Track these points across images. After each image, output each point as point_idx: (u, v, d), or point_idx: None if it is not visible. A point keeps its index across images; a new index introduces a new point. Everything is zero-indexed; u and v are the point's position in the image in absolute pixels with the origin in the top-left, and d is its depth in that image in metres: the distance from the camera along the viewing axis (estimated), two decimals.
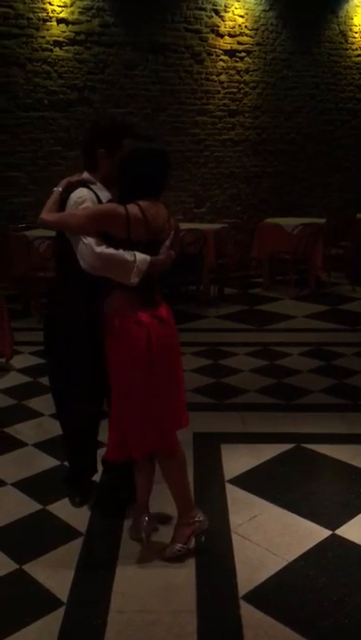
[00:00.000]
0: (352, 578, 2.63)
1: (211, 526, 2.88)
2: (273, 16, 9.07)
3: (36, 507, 3.19)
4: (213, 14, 8.59)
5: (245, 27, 8.87)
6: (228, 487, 3.33)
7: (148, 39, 8.12)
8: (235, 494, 3.27)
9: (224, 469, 3.52)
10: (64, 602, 2.51)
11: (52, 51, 7.52)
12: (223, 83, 8.84)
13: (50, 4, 7.40)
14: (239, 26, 8.81)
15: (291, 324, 6.64)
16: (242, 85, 9.01)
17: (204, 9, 8.50)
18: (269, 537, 2.87)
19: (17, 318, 6.61)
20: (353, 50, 9.98)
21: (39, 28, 7.39)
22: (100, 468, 3.28)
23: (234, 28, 8.77)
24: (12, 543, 2.90)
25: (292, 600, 2.52)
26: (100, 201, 2.76)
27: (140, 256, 2.60)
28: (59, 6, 7.46)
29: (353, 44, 9.95)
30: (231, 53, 8.83)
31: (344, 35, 9.83)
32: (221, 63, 8.78)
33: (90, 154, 2.84)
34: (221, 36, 8.70)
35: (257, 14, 8.94)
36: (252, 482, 3.36)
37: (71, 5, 7.53)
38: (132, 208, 2.59)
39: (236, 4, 8.73)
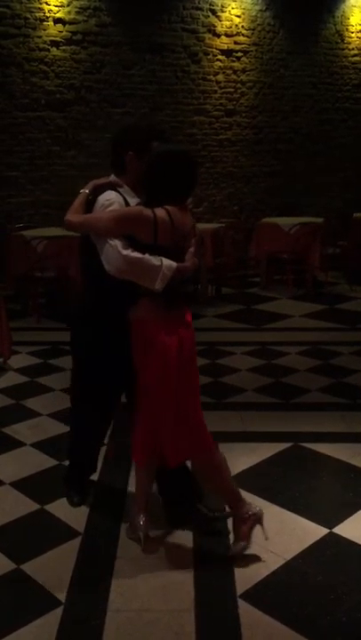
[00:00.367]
0: (350, 576, 2.63)
1: (209, 525, 2.88)
2: (270, 16, 9.08)
3: (35, 506, 3.19)
4: (210, 14, 8.60)
5: (242, 26, 8.87)
6: None
7: (145, 39, 8.12)
8: None
9: None
10: (62, 602, 2.50)
11: (49, 50, 7.52)
12: (220, 82, 8.85)
13: (47, 3, 7.40)
14: (236, 26, 8.82)
15: (288, 324, 6.65)
16: (239, 85, 9.02)
17: (201, 9, 8.50)
18: (268, 535, 2.87)
19: (15, 318, 6.61)
20: (349, 50, 9.99)
21: (36, 27, 7.39)
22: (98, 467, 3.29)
23: (231, 27, 8.78)
24: (10, 543, 2.90)
25: (291, 598, 2.52)
26: (127, 205, 2.71)
27: (166, 261, 2.55)
28: (55, 6, 7.46)
29: (349, 43, 9.96)
30: (228, 53, 8.83)
31: (341, 35, 9.85)
32: (218, 63, 8.79)
33: (118, 157, 2.79)
34: (218, 36, 8.71)
35: (254, 14, 8.95)
36: (251, 480, 3.36)
37: (68, 5, 7.53)
38: (160, 212, 2.55)
39: (233, 4, 8.74)
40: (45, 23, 7.44)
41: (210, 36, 8.64)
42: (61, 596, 2.53)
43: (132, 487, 3.31)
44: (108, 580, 2.63)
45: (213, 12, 8.62)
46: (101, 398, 2.97)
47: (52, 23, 7.47)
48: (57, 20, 7.50)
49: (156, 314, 2.62)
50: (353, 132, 10.24)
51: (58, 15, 7.49)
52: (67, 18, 7.54)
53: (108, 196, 2.68)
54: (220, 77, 8.84)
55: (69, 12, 7.55)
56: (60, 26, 7.53)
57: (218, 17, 8.66)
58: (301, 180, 9.68)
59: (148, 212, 2.55)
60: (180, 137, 8.52)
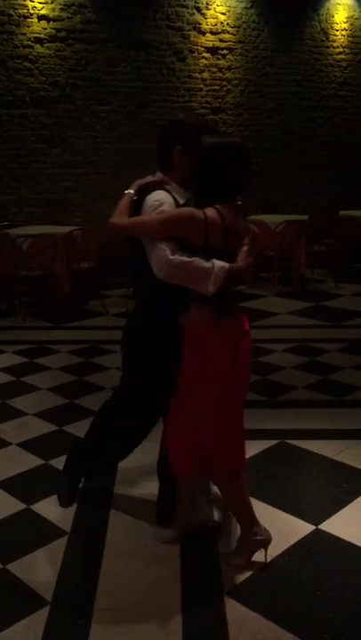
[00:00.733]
0: (336, 572, 2.64)
1: (195, 522, 2.88)
2: (255, 13, 9.09)
3: (21, 506, 3.17)
4: (195, 12, 8.59)
5: (227, 24, 8.88)
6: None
7: (130, 36, 8.10)
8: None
9: None
10: (49, 601, 2.49)
11: (33, 48, 7.47)
12: (206, 80, 8.85)
13: (30, 0, 7.35)
14: (221, 23, 8.82)
15: (275, 321, 6.66)
16: (224, 83, 9.02)
17: (186, 6, 8.49)
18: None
19: (0, 317, 6.58)
20: (334, 48, 10.03)
21: (20, 24, 7.34)
22: None
23: (216, 25, 8.78)
24: None
25: (277, 596, 2.52)
26: (177, 204, 2.56)
27: (218, 263, 2.42)
28: (39, 3, 7.42)
29: (334, 41, 10.00)
30: (213, 51, 8.83)
31: (325, 32, 9.88)
32: (204, 60, 8.78)
33: (165, 152, 2.63)
34: (203, 34, 8.71)
35: (239, 12, 8.95)
36: None
37: (52, 2, 7.49)
38: (211, 212, 2.43)
39: (218, 2, 8.74)
40: (29, 20, 7.39)
41: (195, 33, 8.64)
42: (48, 596, 2.52)
43: (118, 488, 3.31)
44: (95, 578, 2.62)
45: (198, 10, 8.61)
46: (147, 408, 2.79)
47: (35, 20, 7.43)
48: (41, 17, 7.45)
49: (209, 320, 2.49)
50: (339, 130, 10.28)
51: (42, 12, 7.45)
52: (51, 15, 7.50)
53: (157, 197, 2.52)
54: (206, 75, 8.84)
55: (53, 9, 7.51)
56: (44, 23, 7.48)
57: (203, 14, 8.65)
58: (287, 178, 9.70)
59: (198, 213, 2.42)
60: None
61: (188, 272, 2.42)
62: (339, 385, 4.79)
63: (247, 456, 3.57)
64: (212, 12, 8.71)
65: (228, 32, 8.92)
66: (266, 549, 2.71)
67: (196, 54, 8.70)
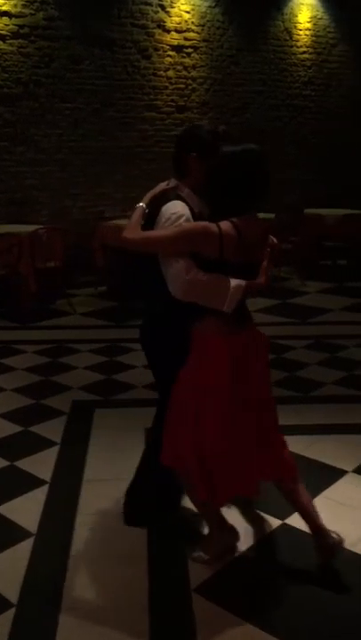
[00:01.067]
0: (304, 566, 2.66)
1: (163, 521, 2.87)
2: (219, 12, 9.11)
3: None
4: (160, 9, 8.57)
5: (192, 22, 8.87)
6: None
7: (95, 33, 8.03)
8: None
9: None
10: (14, 603, 2.46)
11: None
12: (171, 78, 8.83)
13: None
14: (185, 22, 8.81)
15: None
16: (189, 81, 9.02)
17: (150, 4, 8.47)
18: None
19: None
20: (298, 47, 10.11)
21: None
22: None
23: (180, 23, 8.77)
24: None
25: (245, 590, 2.53)
26: (193, 215, 2.48)
27: (234, 282, 2.36)
28: None
29: (298, 41, 10.08)
30: (178, 49, 8.82)
31: (289, 32, 9.95)
32: (169, 59, 8.77)
33: (180, 159, 2.59)
34: (168, 32, 8.69)
35: (203, 10, 8.96)
36: None
37: None
38: (225, 226, 2.36)
39: (182, 0, 8.73)
40: None
41: (160, 31, 8.61)
42: (13, 598, 2.48)
43: (85, 490, 3.28)
44: (61, 579, 2.59)
45: (163, 8, 8.59)
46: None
47: None
48: (3, 13, 7.34)
49: (225, 329, 2.44)
50: (304, 129, 10.37)
51: (3, 8, 7.34)
52: (13, 11, 7.40)
53: (174, 209, 2.45)
54: (171, 73, 8.82)
55: (15, 5, 7.41)
56: (5, 19, 7.38)
57: (167, 12, 8.64)
58: None
59: (212, 227, 2.34)
60: (132, 133, 8.48)
61: (204, 291, 2.38)
62: (305, 381, 4.83)
63: None
64: (176, 10, 8.70)
65: (193, 30, 8.92)
66: (234, 547, 2.72)
67: (160, 52, 8.68)
